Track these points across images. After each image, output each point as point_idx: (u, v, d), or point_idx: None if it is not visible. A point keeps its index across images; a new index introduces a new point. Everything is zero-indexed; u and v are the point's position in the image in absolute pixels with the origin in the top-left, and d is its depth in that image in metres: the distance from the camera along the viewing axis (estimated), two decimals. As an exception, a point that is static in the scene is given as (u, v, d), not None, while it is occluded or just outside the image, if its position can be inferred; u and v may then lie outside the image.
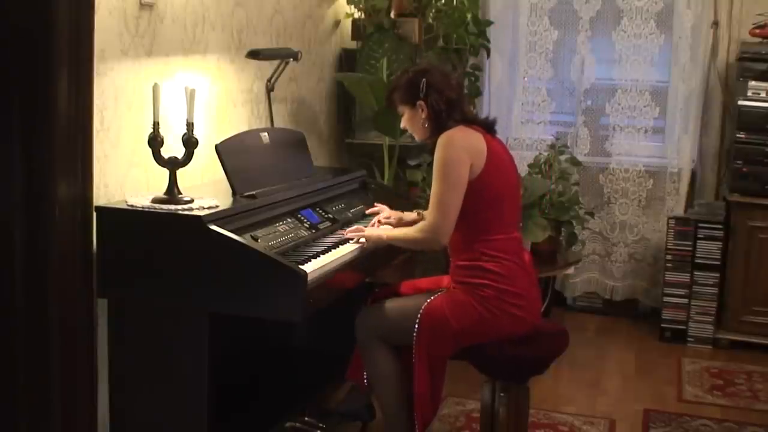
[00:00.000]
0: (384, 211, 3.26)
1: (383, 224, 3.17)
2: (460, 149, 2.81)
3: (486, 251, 2.82)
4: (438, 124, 2.91)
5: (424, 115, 2.94)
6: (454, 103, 2.94)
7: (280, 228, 2.81)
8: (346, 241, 2.94)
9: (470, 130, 2.88)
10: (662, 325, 4.76)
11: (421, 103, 2.93)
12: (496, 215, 2.87)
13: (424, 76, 2.94)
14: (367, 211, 3.31)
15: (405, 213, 3.22)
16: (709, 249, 4.64)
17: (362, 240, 2.98)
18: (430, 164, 4.37)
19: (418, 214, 3.17)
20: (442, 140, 2.84)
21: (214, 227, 2.48)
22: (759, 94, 4.53)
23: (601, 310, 5.19)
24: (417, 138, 3.06)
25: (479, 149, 2.84)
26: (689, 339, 4.70)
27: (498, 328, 2.81)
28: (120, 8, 2.75)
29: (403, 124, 3.05)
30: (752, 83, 4.54)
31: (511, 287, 2.81)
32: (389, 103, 3.08)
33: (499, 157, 2.88)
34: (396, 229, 3.06)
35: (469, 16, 4.58)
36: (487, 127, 2.95)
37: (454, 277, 2.91)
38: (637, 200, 5.05)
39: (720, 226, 4.62)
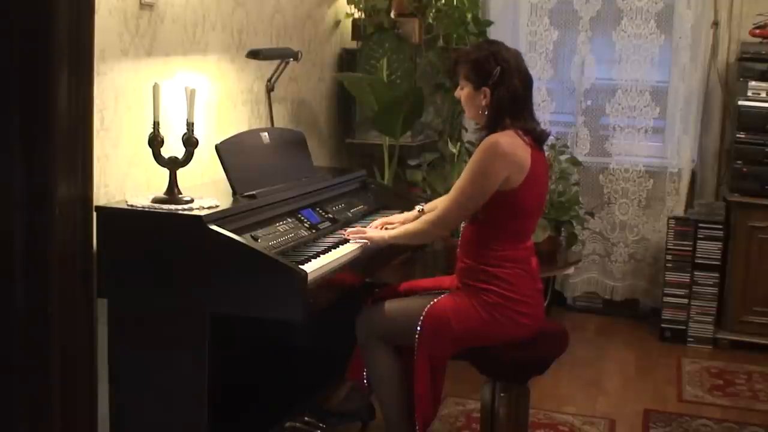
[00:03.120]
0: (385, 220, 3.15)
1: (387, 227, 3.11)
2: (500, 160, 2.69)
3: (497, 258, 2.80)
4: (495, 118, 2.77)
5: (484, 103, 2.78)
6: (520, 103, 2.77)
7: (280, 228, 2.80)
8: (346, 240, 2.93)
9: (519, 140, 2.74)
10: (662, 325, 4.77)
11: (486, 90, 2.76)
12: (518, 227, 2.84)
13: (500, 63, 2.74)
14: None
15: (405, 213, 3.19)
16: (709, 249, 4.64)
17: (364, 241, 2.93)
18: (430, 164, 4.43)
19: (420, 211, 3.13)
20: (487, 144, 2.72)
21: (214, 227, 2.48)
22: (759, 94, 4.54)
23: (601, 310, 5.19)
24: (467, 115, 2.93)
25: (522, 164, 2.72)
26: (689, 339, 4.70)
27: (501, 333, 2.80)
28: (120, 8, 2.75)
29: (458, 94, 2.87)
30: (752, 83, 4.55)
31: (517, 295, 2.80)
32: (452, 70, 2.90)
33: (537, 174, 2.79)
34: (397, 227, 3.00)
35: (469, 16, 4.58)
36: (539, 142, 2.83)
37: (460, 278, 2.89)
38: (637, 200, 5.05)
39: (720, 226, 4.62)
